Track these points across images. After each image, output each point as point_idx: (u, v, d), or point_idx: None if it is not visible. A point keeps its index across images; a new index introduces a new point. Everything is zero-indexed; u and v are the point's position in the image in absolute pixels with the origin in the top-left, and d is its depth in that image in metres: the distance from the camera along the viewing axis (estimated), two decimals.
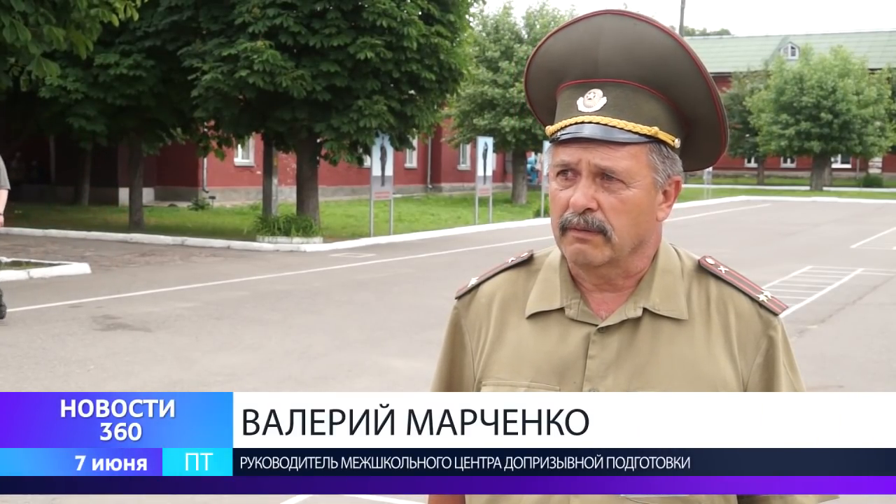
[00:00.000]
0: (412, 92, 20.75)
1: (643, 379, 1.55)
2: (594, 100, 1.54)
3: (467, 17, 21.82)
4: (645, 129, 1.53)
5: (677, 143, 1.57)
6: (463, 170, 45.38)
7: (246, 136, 22.87)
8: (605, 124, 1.52)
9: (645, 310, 1.59)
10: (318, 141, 21.02)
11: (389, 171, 22.19)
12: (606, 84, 1.54)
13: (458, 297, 1.75)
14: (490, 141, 27.14)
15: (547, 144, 1.64)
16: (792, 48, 61.80)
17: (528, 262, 1.71)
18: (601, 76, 1.54)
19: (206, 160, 30.68)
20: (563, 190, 1.56)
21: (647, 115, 1.53)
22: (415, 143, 24.49)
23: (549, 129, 1.60)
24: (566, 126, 1.55)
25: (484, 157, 26.28)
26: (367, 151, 21.52)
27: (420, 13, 20.01)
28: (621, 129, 1.52)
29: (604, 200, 1.53)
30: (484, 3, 24.83)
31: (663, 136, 1.54)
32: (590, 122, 1.52)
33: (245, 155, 33.97)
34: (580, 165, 1.53)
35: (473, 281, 1.74)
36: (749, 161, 60.88)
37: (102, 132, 21.29)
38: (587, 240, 1.54)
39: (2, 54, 14.33)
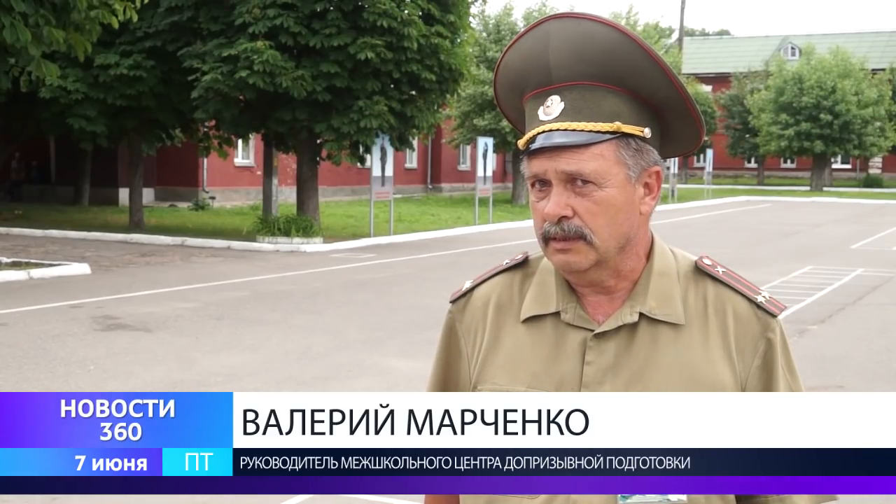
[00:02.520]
0: (412, 92, 20.75)
1: (641, 385, 1.54)
2: (552, 107, 1.53)
3: (468, 17, 21.82)
4: (606, 126, 1.51)
5: (647, 132, 1.55)
6: (463, 170, 45.39)
7: (246, 137, 22.88)
8: (565, 129, 1.51)
9: (641, 315, 1.57)
10: (319, 141, 21.03)
11: (389, 172, 22.20)
12: (562, 89, 1.53)
13: (453, 301, 1.73)
14: (490, 141, 27.15)
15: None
16: (792, 48, 61.82)
17: (522, 264, 1.69)
18: (556, 82, 1.53)
19: (206, 160, 30.70)
20: (539, 201, 1.55)
21: (608, 112, 1.52)
22: (415, 143, 24.49)
23: (520, 143, 1.59)
24: (531, 137, 1.55)
25: (484, 158, 26.29)
26: (368, 151, 21.54)
27: (420, 13, 20.02)
28: (581, 130, 1.51)
29: (578, 205, 1.52)
30: (485, 2, 24.85)
31: (628, 128, 1.53)
32: (550, 130, 1.52)
33: (245, 155, 33.98)
34: (548, 175, 1.52)
35: (468, 284, 1.72)
36: (749, 161, 60.91)
37: (102, 132, 21.31)
38: (568, 248, 1.53)
39: (2, 55, 14.34)
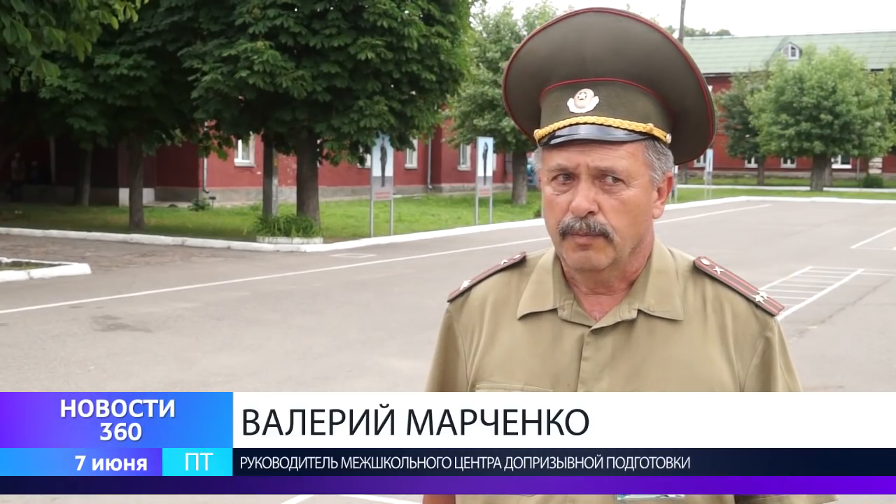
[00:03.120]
0: (413, 92, 20.75)
1: (638, 381, 1.54)
2: (586, 100, 1.51)
3: (468, 17, 21.82)
4: (640, 127, 1.50)
5: (668, 138, 1.55)
6: (463, 170, 45.39)
7: (246, 137, 22.88)
8: (601, 124, 1.49)
9: (639, 311, 1.57)
10: (319, 141, 21.03)
11: (390, 172, 22.20)
12: (597, 83, 1.51)
13: (451, 301, 1.73)
14: (490, 141, 27.13)
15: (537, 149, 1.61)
16: (792, 48, 61.81)
17: (520, 263, 1.69)
18: (590, 75, 1.51)
19: (206, 160, 30.70)
20: (561, 195, 1.52)
21: (641, 112, 1.51)
22: (415, 143, 24.49)
23: (539, 132, 1.56)
24: (559, 128, 1.52)
25: (484, 158, 26.29)
26: (368, 151, 21.54)
27: (420, 14, 20.02)
28: (617, 127, 1.49)
29: (604, 202, 1.50)
30: (484, 3, 24.87)
31: (657, 132, 1.52)
32: (584, 123, 1.50)
33: (245, 155, 33.98)
34: (579, 169, 1.50)
35: (465, 284, 1.71)
36: (749, 161, 60.91)
37: (103, 133, 21.31)
38: (590, 245, 1.51)
39: (2, 55, 14.34)
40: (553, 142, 1.52)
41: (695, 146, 1.63)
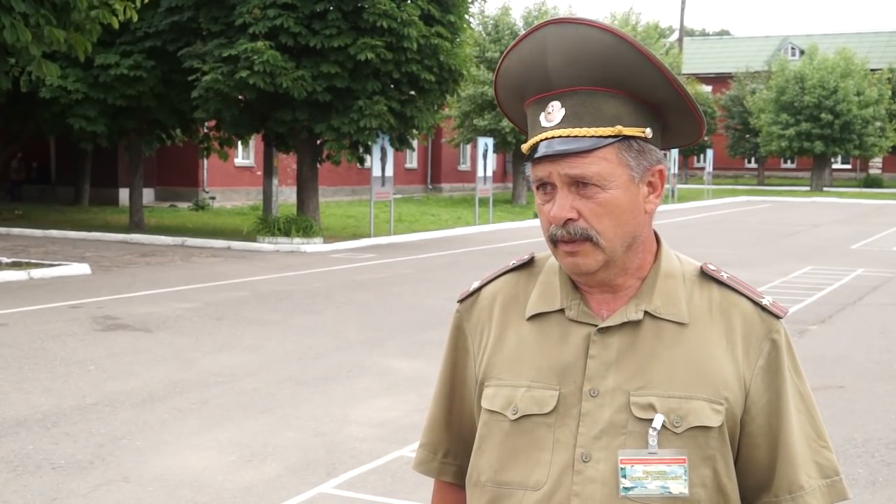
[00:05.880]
0: (412, 93, 20.76)
1: (644, 378, 1.55)
2: (553, 113, 1.55)
3: (467, 17, 21.82)
4: (608, 131, 1.53)
5: (648, 132, 1.57)
6: (463, 170, 45.40)
7: (246, 137, 22.89)
8: (567, 136, 1.53)
9: (646, 313, 1.59)
10: (319, 141, 21.04)
11: (390, 172, 22.20)
12: (563, 94, 1.55)
13: (461, 301, 1.76)
14: (490, 141, 27.12)
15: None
16: (792, 48, 61.81)
17: (528, 264, 1.72)
18: (556, 87, 1.55)
19: (205, 160, 30.72)
20: (545, 204, 1.57)
21: (609, 116, 1.54)
22: (415, 143, 24.48)
23: (524, 147, 1.61)
24: (535, 143, 1.57)
25: (484, 158, 26.28)
26: (368, 151, 21.55)
27: (420, 14, 20.02)
28: (583, 136, 1.53)
29: (583, 207, 1.53)
30: (484, 2, 24.86)
31: (629, 131, 1.54)
32: (552, 138, 1.54)
33: (245, 155, 33.98)
34: (552, 178, 1.54)
35: (475, 284, 1.75)
36: (749, 161, 60.95)
37: (103, 133, 21.31)
38: (577, 251, 1.55)
39: (2, 55, 14.34)
40: (533, 156, 1.57)
41: (690, 132, 1.65)
